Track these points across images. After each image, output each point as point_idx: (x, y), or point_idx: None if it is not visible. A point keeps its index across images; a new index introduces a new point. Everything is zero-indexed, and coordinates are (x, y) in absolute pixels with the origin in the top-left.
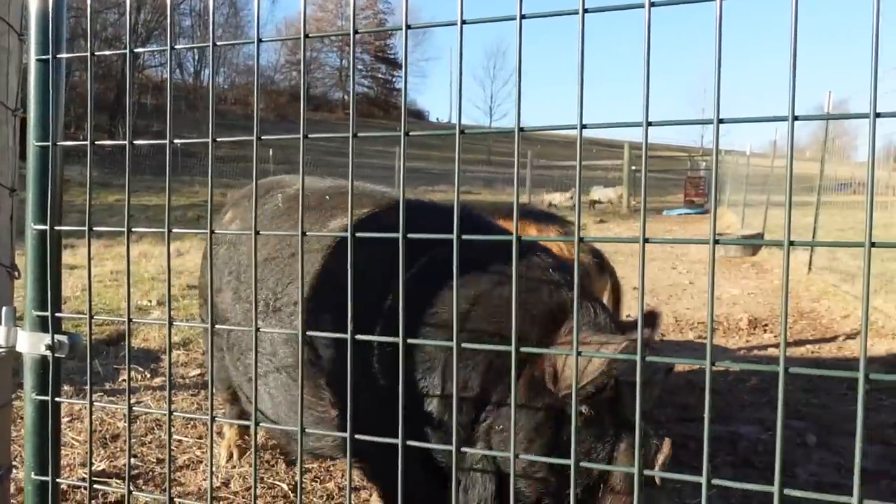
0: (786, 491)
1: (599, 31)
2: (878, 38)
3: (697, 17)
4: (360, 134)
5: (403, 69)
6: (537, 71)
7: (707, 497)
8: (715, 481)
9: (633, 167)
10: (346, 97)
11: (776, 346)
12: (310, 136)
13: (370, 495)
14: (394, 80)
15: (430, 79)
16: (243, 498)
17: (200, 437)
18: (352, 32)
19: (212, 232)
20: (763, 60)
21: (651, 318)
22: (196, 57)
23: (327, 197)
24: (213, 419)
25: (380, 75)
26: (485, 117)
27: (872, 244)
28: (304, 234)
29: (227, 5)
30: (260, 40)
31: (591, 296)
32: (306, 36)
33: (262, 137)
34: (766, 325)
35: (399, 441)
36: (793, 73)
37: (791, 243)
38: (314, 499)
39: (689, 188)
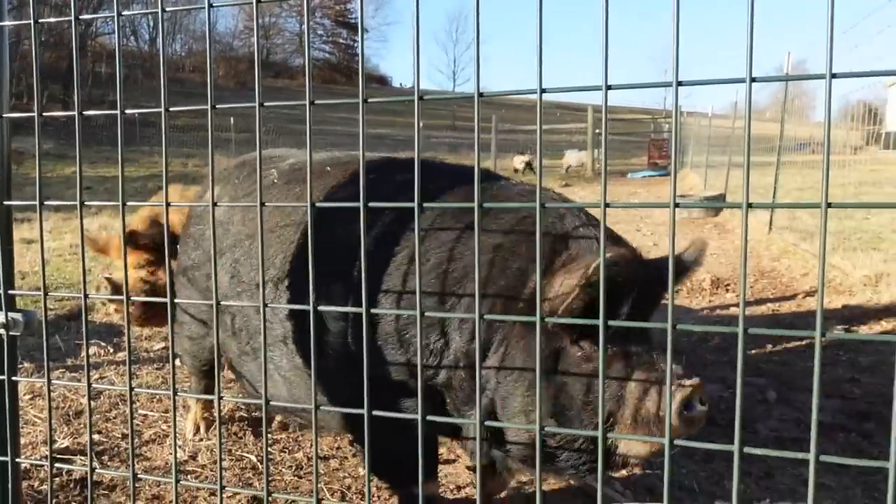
0: (745, 449)
1: None
2: (834, 1)
3: None
4: (317, 101)
5: (359, 34)
6: (501, 35)
7: (670, 457)
8: (676, 441)
9: (597, 130)
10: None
11: (738, 305)
12: (266, 104)
13: (339, 464)
14: (355, 45)
15: (391, 43)
16: (211, 471)
17: (167, 411)
18: None
19: (168, 204)
20: (725, 18)
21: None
22: (151, 23)
23: (328, 168)
24: (175, 392)
25: (341, 41)
26: (448, 82)
27: (829, 204)
28: (262, 204)
29: None
30: (211, 5)
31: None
32: (259, 0)
33: (217, 106)
34: (728, 284)
35: (365, 411)
36: (750, 35)
37: (749, 205)
38: (283, 469)
39: (652, 150)
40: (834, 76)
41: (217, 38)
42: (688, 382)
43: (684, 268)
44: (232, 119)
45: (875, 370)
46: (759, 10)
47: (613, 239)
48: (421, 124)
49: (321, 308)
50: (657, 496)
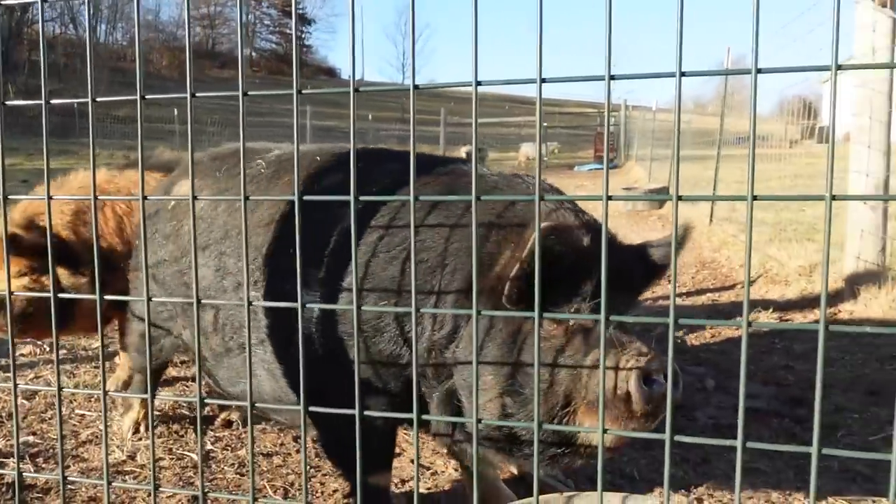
0: (676, 437)
1: None
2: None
3: None
4: (250, 92)
5: (292, 22)
6: (449, 25)
7: (604, 446)
8: (610, 431)
9: (545, 124)
10: (253, 54)
11: (679, 295)
12: (197, 94)
13: (283, 460)
14: (304, 35)
15: (340, 34)
16: (150, 470)
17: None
18: None
19: (95, 198)
20: (671, 14)
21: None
22: (91, 10)
23: (318, 158)
24: (105, 392)
25: (288, 31)
26: (398, 74)
27: (755, 197)
28: (195, 198)
29: None
30: None
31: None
32: None
33: (147, 96)
34: (668, 275)
35: (301, 408)
36: (680, 31)
37: (680, 198)
38: (225, 467)
39: (598, 144)
40: (760, 71)
41: (160, 27)
42: (644, 359)
43: (654, 263)
44: (175, 111)
45: (808, 357)
46: (704, 4)
47: (588, 225)
48: (369, 116)
49: (257, 304)
50: None
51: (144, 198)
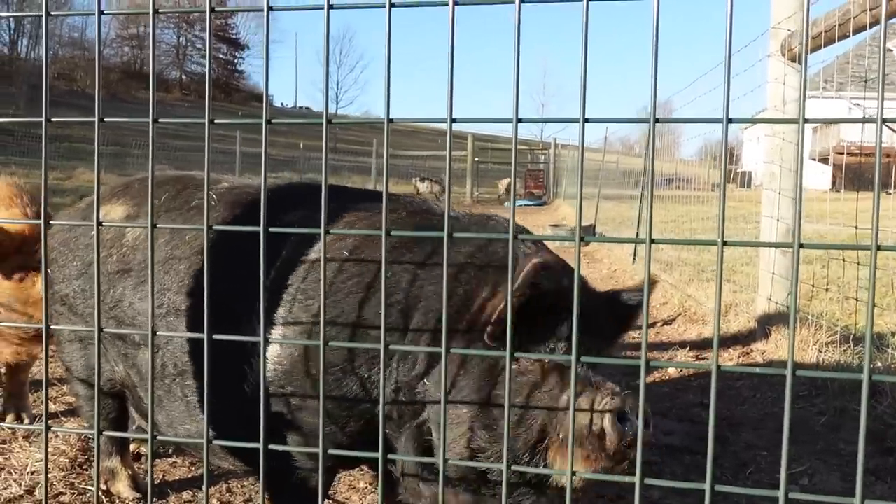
0: (647, 481)
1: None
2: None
3: (545, 14)
4: (106, 119)
5: (264, 55)
6: (382, 58)
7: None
8: (578, 473)
9: (477, 159)
10: (183, 77)
11: None
12: (160, 119)
13: (193, 495)
14: (236, 61)
15: (273, 62)
16: None
17: (4, 443)
18: (208, 10)
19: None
20: (617, 59)
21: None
22: (12, 25)
23: (279, 192)
24: None
25: (221, 56)
26: (331, 103)
27: (653, 241)
28: (146, 226)
29: None
30: (101, 12)
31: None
32: (156, 11)
33: (53, 119)
34: (639, 324)
35: (204, 440)
36: (583, 79)
37: (582, 239)
38: (129, 503)
39: (529, 180)
40: (658, 121)
41: (87, 45)
42: (617, 398)
43: (624, 311)
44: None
45: (722, 395)
46: (631, 52)
47: (564, 266)
48: (301, 144)
49: (106, 331)
50: None
51: (47, 223)
